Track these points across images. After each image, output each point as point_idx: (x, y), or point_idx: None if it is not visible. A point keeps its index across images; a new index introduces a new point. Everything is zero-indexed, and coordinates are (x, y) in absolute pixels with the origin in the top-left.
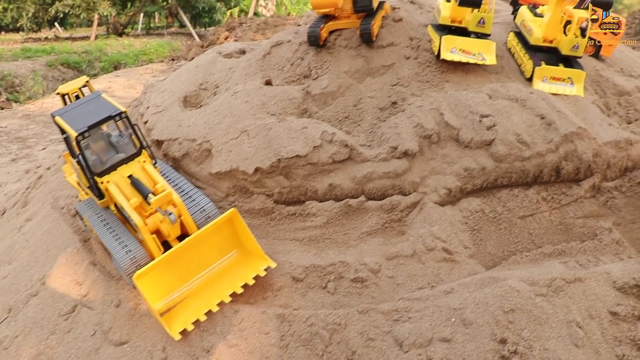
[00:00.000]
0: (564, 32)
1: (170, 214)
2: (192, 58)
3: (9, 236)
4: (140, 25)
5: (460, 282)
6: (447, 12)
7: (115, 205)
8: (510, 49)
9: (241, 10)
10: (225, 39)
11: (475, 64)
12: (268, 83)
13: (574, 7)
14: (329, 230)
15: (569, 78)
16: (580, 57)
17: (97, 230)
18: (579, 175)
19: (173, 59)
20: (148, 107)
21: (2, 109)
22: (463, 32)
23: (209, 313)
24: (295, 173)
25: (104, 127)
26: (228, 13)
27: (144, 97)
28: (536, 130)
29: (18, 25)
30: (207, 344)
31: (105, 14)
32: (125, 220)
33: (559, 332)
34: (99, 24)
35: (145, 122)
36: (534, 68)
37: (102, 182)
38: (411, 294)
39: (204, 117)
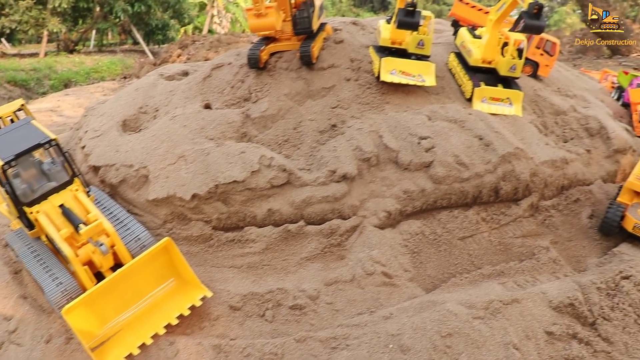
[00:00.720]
0: (502, 54)
1: (101, 245)
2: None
3: None
4: (92, 42)
5: (399, 306)
6: (387, 33)
7: (47, 235)
8: (451, 69)
9: (195, 27)
10: (178, 57)
11: (416, 85)
12: (207, 107)
13: (509, 30)
14: (267, 257)
15: (507, 98)
16: (518, 78)
17: (26, 263)
18: (517, 195)
19: (125, 77)
20: (86, 132)
21: None
22: (403, 53)
23: (143, 346)
24: (233, 199)
25: (36, 154)
26: (182, 30)
27: (84, 121)
28: (475, 151)
29: None
30: None
31: (55, 30)
32: (57, 251)
33: (496, 355)
34: (49, 41)
35: (83, 147)
36: (473, 89)
37: (31, 212)
38: (350, 319)
39: (142, 142)
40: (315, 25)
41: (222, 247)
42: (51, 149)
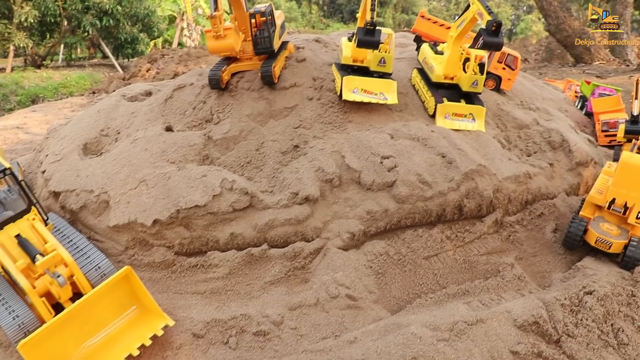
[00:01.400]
0: (464, 69)
1: (58, 276)
2: (114, 91)
3: None
4: (60, 57)
5: (364, 329)
6: (349, 52)
7: (2, 266)
8: (414, 85)
9: (165, 41)
10: (147, 71)
11: (378, 103)
12: (169, 129)
13: (469, 47)
14: (231, 282)
15: (470, 114)
16: (480, 93)
17: None
18: (481, 211)
19: (94, 92)
20: (47, 155)
21: None
22: (365, 71)
23: None
24: (195, 223)
25: None
26: (151, 44)
27: (45, 143)
28: (437, 169)
29: None
30: None
31: (21, 45)
32: (13, 282)
33: None
34: (16, 55)
35: (44, 172)
36: (436, 105)
37: None
38: (315, 344)
39: (102, 166)
40: (276, 45)
41: (185, 272)
42: (6, 177)
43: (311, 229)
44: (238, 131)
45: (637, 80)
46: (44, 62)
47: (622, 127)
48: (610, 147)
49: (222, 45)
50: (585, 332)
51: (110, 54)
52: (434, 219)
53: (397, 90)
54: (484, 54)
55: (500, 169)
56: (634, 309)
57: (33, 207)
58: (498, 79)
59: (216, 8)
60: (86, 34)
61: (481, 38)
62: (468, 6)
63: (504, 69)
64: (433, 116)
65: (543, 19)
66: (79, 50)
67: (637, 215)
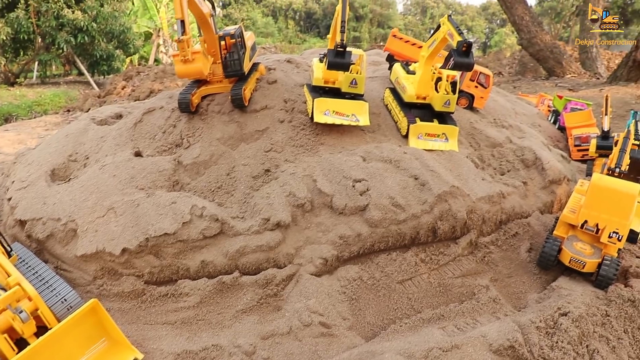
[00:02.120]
0: (436, 89)
1: (21, 311)
2: (89, 109)
3: None
4: (35, 74)
5: (337, 358)
6: (320, 73)
7: None
8: (387, 105)
9: (141, 57)
10: (123, 89)
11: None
12: (138, 154)
13: (440, 67)
14: (202, 311)
15: (443, 134)
16: (452, 112)
17: None
18: (455, 233)
19: (69, 110)
20: (13, 182)
21: None
22: (337, 92)
23: None
24: (165, 251)
25: None
26: (127, 60)
27: (12, 169)
28: (410, 191)
29: None
30: None
31: None
32: None
33: None
34: None
35: (9, 199)
36: (408, 125)
37: None
38: None
39: (70, 193)
40: (246, 67)
41: (155, 302)
42: None
43: (283, 255)
44: (208, 155)
45: (606, 96)
46: (17, 80)
47: (593, 143)
48: (584, 161)
49: (191, 69)
50: (561, 354)
51: (85, 71)
52: (408, 242)
53: (370, 111)
54: (455, 73)
55: (474, 189)
56: (608, 329)
57: None
58: (471, 98)
59: (184, 32)
60: (61, 51)
61: (452, 59)
62: (439, 26)
63: (476, 87)
64: (406, 136)
65: (516, 33)
66: (54, 67)
67: (609, 234)
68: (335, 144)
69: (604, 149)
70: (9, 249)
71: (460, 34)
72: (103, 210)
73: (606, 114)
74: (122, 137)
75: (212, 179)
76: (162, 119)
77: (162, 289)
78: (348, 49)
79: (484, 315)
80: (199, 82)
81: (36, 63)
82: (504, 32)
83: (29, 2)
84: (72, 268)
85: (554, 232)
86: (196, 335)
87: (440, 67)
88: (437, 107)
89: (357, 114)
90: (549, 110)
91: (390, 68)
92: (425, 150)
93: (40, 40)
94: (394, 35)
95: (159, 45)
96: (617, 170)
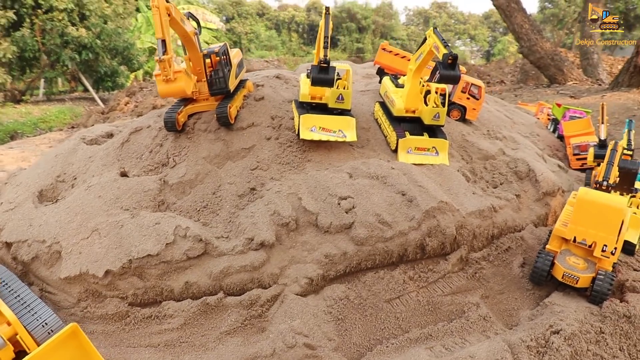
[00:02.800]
0: (425, 102)
1: None
2: (92, 124)
3: None
4: (41, 91)
5: None
6: (307, 89)
7: None
8: (377, 119)
9: (146, 72)
10: (126, 105)
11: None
12: (124, 174)
13: (427, 81)
14: (186, 332)
15: (433, 147)
16: (442, 126)
17: None
18: (445, 249)
19: (73, 127)
20: (1, 203)
21: None
22: (324, 108)
23: None
24: (148, 273)
25: None
26: (132, 76)
27: (3, 190)
28: (397, 208)
29: None
30: None
31: (0, 81)
32: None
33: None
34: None
35: None
36: (397, 140)
37: None
38: None
39: (56, 214)
40: (232, 85)
41: (139, 324)
42: None
43: (267, 276)
44: (194, 175)
45: (602, 105)
46: (23, 97)
47: (591, 151)
48: (583, 170)
49: (173, 88)
50: None
51: (90, 88)
52: (396, 259)
53: (359, 126)
54: (444, 85)
55: (464, 204)
56: (603, 346)
57: None
58: (463, 109)
59: (165, 51)
60: (66, 68)
61: (438, 72)
62: (425, 39)
63: (468, 98)
64: (395, 151)
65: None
66: (60, 84)
67: (603, 248)
68: (323, 160)
69: (602, 157)
70: None
71: (446, 46)
72: (87, 232)
73: (602, 123)
74: (109, 157)
75: (197, 198)
76: (149, 138)
77: (146, 311)
78: (333, 64)
79: (474, 334)
80: (186, 101)
81: (42, 80)
82: (507, 40)
83: (34, 21)
84: (56, 290)
85: (547, 246)
86: (179, 358)
87: (427, 80)
88: (427, 120)
89: (344, 129)
90: (549, 119)
91: (380, 82)
92: (415, 164)
93: (45, 57)
94: (384, 49)
95: None
96: (605, 183)
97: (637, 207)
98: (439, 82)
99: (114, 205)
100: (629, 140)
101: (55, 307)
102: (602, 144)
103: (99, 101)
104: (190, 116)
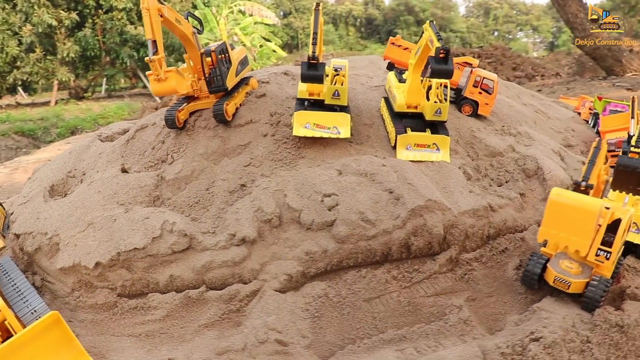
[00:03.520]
0: (427, 98)
1: None
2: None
3: None
4: (103, 88)
5: None
6: (304, 85)
7: None
8: (382, 115)
9: None
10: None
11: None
12: (124, 170)
13: (421, 76)
14: (167, 324)
15: (434, 144)
16: (445, 122)
17: None
18: (432, 249)
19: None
20: (18, 197)
21: None
22: (322, 104)
23: None
24: (135, 266)
25: None
26: None
27: (25, 184)
28: (383, 206)
29: None
30: None
31: (64, 79)
32: None
33: None
34: (63, 88)
35: (12, 214)
36: (396, 136)
37: None
38: None
39: (60, 208)
40: (231, 82)
41: (126, 314)
42: None
43: (248, 271)
44: (190, 171)
45: (633, 98)
46: (85, 95)
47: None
48: None
49: (164, 87)
50: None
51: (148, 84)
52: (380, 258)
53: (362, 122)
54: (446, 80)
55: (458, 202)
56: (588, 356)
57: None
58: (475, 104)
59: (155, 52)
60: (125, 65)
61: (429, 66)
62: (423, 33)
63: (480, 93)
64: (395, 147)
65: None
66: (122, 81)
67: (597, 252)
68: (316, 157)
69: None
70: None
71: (440, 40)
72: (84, 225)
73: (632, 117)
74: (115, 153)
75: (191, 194)
76: (153, 136)
77: (133, 302)
78: (334, 59)
79: (450, 338)
80: (188, 99)
81: (104, 78)
82: None
83: (95, 21)
84: (54, 280)
85: (543, 248)
86: (156, 348)
87: (421, 75)
88: (428, 116)
89: (338, 126)
90: (590, 113)
91: None
92: (414, 161)
93: (105, 56)
94: (392, 43)
95: None
96: (584, 184)
97: None
98: (430, 76)
99: (111, 200)
100: (639, 137)
101: (52, 296)
102: (629, 140)
103: (156, 97)
104: (192, 114)
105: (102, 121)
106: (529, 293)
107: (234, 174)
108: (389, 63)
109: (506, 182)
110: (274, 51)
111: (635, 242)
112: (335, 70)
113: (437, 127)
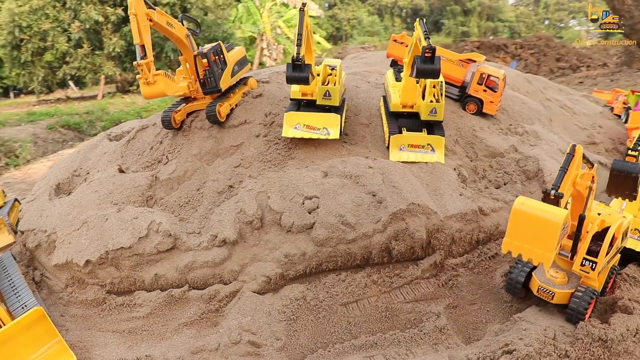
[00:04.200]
0: (423, 97)
1: None
2: None
3: None
4: None
5: None
6: (297, 86)
7: None
8: (381, 114)
9: None
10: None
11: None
12: (121, 170)
13: (409, 75)
14: (149, 321)
15: (428, 144)
16: (441, 121)
17: None
18: (415, 254)
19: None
20: (28, 194)
21: None
22: (315, 104)
23: None
24: (123, 264)
25: None
26: None
27: (37, 182)
28: (364, 209)
29: (30, 88)
30: None
31: (110, 73)
32: None
33: None
34: (109, 82)
35: (20, 210)
36: (389, 137)
37: None
38: None
39: (60, 207)
40: (225, 83)
41: (113, 311)
42: None
43: (228, 272)
44: (183, 171)
45: None
46: (130, 88)
47: None
48: None
49: (153, 90)
50: None
51: None
52: (361, 262)
53: (359, 121)
54: (440, 79)
55: (446, 205)
56: None
57: None
58: (479, 103)
59: (144, 56)
60: (169, 59)
61: (415, 65)
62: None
63: (484, 91)
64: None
65: None
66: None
67: (582, 262)
68: (306, 158)
69: None
70: None
71: (427, 38)
72: (79, 224)
73: None
74: (115, 153)
75: (183, 194)
76: (153, 136)
77: (120, 299)
78: (327, 59)
79: (423, 347)
80: (186, 99)
81: None
82: None
83: None
84: (51, 276)
85: None
86: (137, 344)
87: (409, 75)
88: (423, 116)
89: (328, 126)
90: (624, 107)
91: None
92: (407, 162)
93: None
94: (395, 40)
95: (262, 49)
96: (553, 192)
97: None
98: (416, 76)
99: (106, 200)
100: (638, 139)
101: (49, 291)
102: None
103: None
104: (189, 114)
105: (146, 114)
106: (515, 302)
107: (224, 175)
108: (393, 60)
109: (504, 184)
110: (318, 43)
111: (636, 249)
112: (332, 68)
113: (433, 127)
